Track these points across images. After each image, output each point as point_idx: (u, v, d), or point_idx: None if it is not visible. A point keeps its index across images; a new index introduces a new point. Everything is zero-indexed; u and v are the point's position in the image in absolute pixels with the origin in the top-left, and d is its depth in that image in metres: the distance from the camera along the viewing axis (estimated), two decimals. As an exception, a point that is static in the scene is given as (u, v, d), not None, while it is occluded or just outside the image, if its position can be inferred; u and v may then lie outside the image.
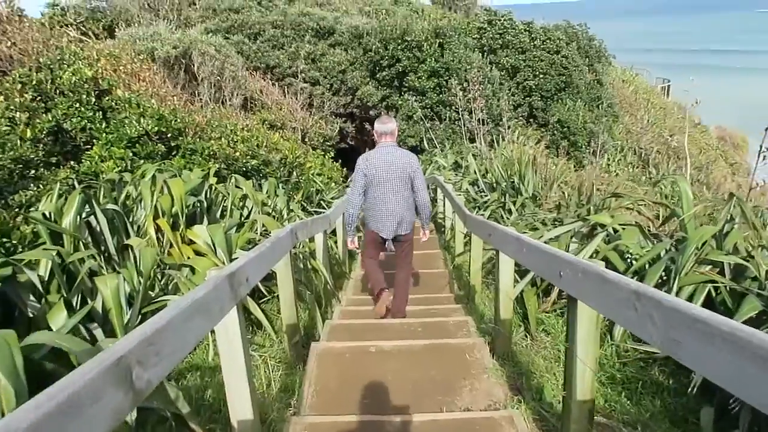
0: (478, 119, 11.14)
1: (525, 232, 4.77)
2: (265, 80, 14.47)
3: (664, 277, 3.35)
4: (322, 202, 8.75)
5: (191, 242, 3.95)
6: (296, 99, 14.30)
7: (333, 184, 10.26)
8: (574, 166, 12.41)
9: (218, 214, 4.92)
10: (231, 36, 15.51)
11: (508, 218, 6.47)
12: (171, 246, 3.80)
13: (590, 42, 19.72)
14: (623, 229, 3.80)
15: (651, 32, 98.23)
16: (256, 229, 4.74)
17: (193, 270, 3.61)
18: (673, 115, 24.52)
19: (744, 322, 2.60)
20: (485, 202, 7.55)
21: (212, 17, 17.00)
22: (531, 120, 15.79)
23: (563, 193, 6.29)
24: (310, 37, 15.82)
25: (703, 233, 2.98)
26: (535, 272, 3.14)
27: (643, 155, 18.58)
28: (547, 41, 16.36)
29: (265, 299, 4.26)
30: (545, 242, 4.04)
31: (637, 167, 16.29)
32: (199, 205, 4.64)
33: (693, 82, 5.39)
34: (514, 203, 6.74)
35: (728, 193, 3.56)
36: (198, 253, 3.83)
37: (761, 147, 3.87)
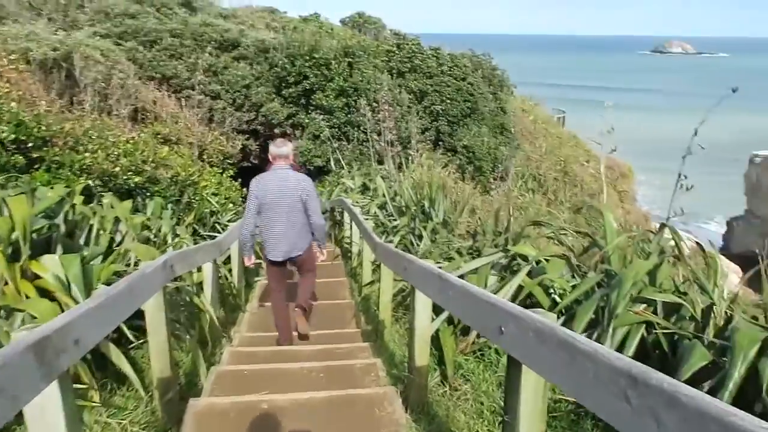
0: (387, 140, 10.83)
1: (440, 263, 4.38)
2: (160, 91, 13.36)
3: (592, 317, 3.04)
4: (217, 224, 7.95)
5: (37, 277, 3.15)
6: (194, 112, 13.32)
7: (231, 204, 9.44)
8: (480, 192, 12.47)
9: (82, 241, 4.09)
10: (124, 42, 14.26)
11: (418, 244, 6.09)
12: (6, 283, 2.99)
13: (494, 71, 20.35)
14: (547, 261, 3.49)
15: (547, 68, 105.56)
16: (129, 260, 3.97)
17: (33, 316, 2.82)
18: (568, 143, 25.87)
19: (693, 373, 2.31)
20: (394, 227, 7.14)
21: (104, 21, 15.58)
22: (439, 144, 15.83)
23: (478, 219, 6.02)
24: (213, 49, 14.92)
25: (639, 269, 2.69)
26: (464, 321, 2.69)
27: (542, 182, 19.34)
28: (454, 68, 16.60)
29: (135, 345, 3.49)
30: (463, 275, 3.65)
31: (537, 193, 16.82)
32: (55, 230, 3.81)
33: (607, 106, 5.34)
34: (425, 228, 6.38)
35: (659, 223, 3.36)
36: (44, 291, 3.04)
37: (680, 174, 3.75)
